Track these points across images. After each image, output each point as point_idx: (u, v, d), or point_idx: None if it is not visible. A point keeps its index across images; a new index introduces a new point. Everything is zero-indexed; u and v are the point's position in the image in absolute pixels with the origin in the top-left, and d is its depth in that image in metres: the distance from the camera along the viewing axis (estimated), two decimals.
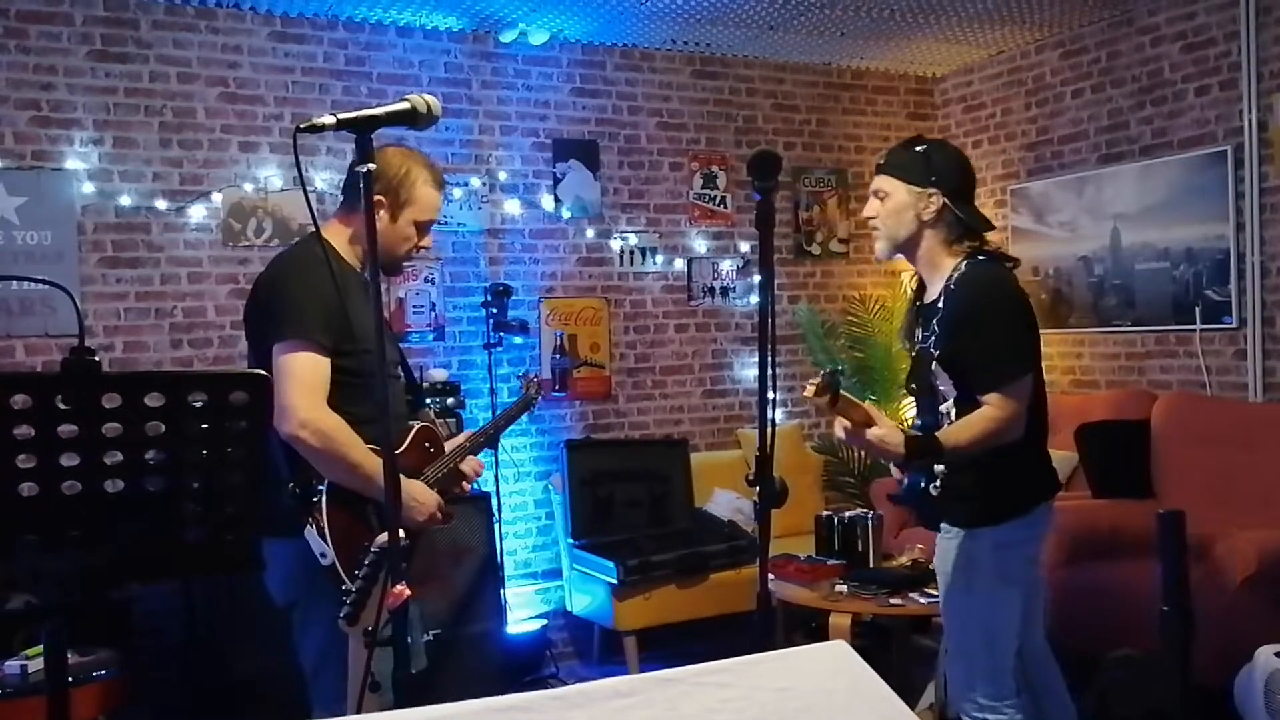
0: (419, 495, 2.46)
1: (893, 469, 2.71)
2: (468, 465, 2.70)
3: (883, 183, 2.67)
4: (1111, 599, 3.82)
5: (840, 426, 2.40)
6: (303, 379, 2.30)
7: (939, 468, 2.58)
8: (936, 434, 2.47)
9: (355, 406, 2.34)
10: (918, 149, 2.64)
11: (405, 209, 2.50)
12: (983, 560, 2.58)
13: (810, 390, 2.25)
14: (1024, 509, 2.61)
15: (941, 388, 2.58)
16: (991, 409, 2.46)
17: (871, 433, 2.35)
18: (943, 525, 2.68)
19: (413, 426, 2.58)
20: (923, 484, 2.62)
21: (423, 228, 2.56)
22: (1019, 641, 2.65)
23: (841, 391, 2.27)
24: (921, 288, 2.75)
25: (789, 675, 1.49)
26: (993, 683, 2.61)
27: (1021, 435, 2.50)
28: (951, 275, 2.59)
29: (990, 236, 2.67)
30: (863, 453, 5.58)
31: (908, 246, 2.66)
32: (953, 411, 2.57)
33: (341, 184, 2.72)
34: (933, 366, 2.55)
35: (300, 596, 2.40)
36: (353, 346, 2.32)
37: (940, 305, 2.58)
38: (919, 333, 2.69)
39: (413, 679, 1.88)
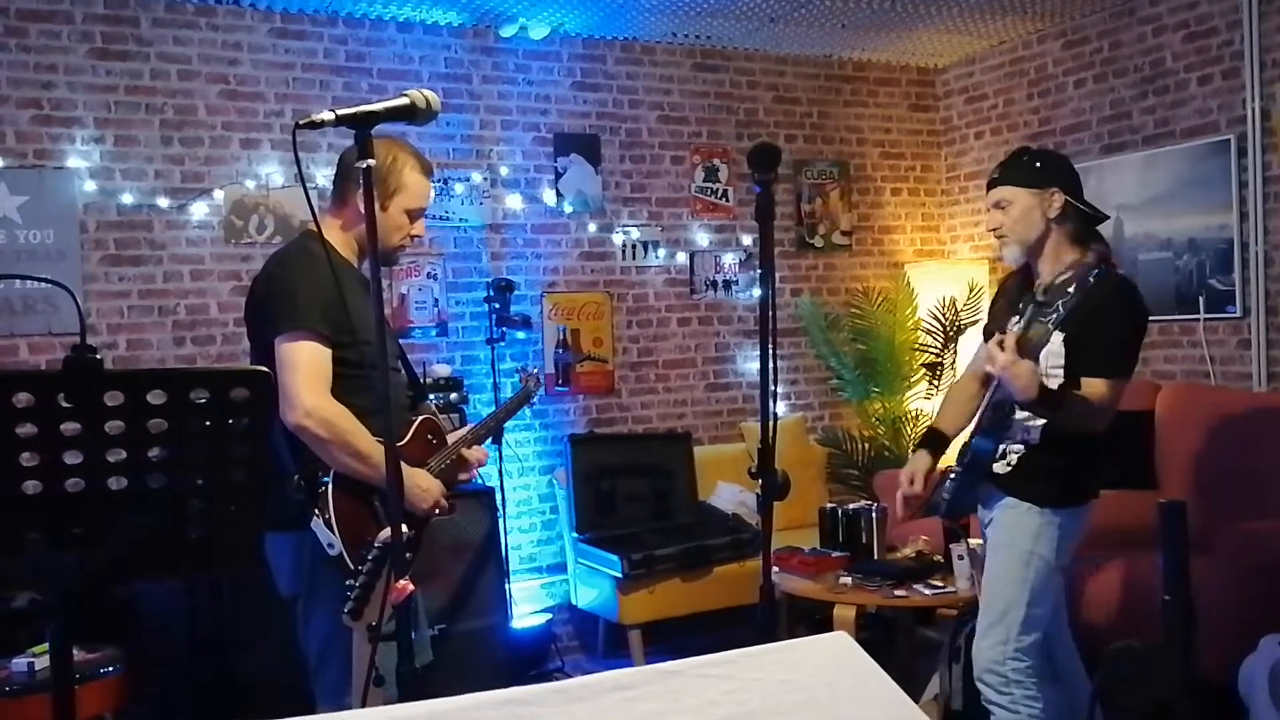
0: (423, 483, 2.47)
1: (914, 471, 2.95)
2: (471, 454, 2.71)
3: (1003, 193, 2.81)
4: (1114, 590, 3.82)
5: (999, 342, 2.58)
6: (306, 368, 2.31)
7: (1015, 447, 2.78)
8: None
9: (357, 398, 2.35)
10: (1024, 157, 2.84)
11: (395, 197, 2.51)
12: (1048, 538, 2.74)
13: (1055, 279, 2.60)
14: (1088, 497, 2.84)
15: (1050, 366, 2.71)
16: (1100, 389, 2.66)
17: (1026, 361, 2.55)
18: (1007, 499, 2.80)
19: (415, 419, 2.59)
20: (992, 450, 2.77)
21: (414, 215, 2.57)
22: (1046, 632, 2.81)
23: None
24: (1027, 278, 2.89)
25: (791, 667, 1.49)
26: (1026, 657, 2.75)
27: (1102, 429, 2.74)
28: (1083, 270, 2.71)
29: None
30: (868, 448, 5.61)
31: (1037, 247, 2.81)
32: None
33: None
34: (1049, 338, 2.66)
35: (304, 589, 2.41)
36: (352, 338, 2.32)
37: (1071, 291, 2.68)
38: (1018, 318, 2.77)
39: (416, 673, 1.88)
